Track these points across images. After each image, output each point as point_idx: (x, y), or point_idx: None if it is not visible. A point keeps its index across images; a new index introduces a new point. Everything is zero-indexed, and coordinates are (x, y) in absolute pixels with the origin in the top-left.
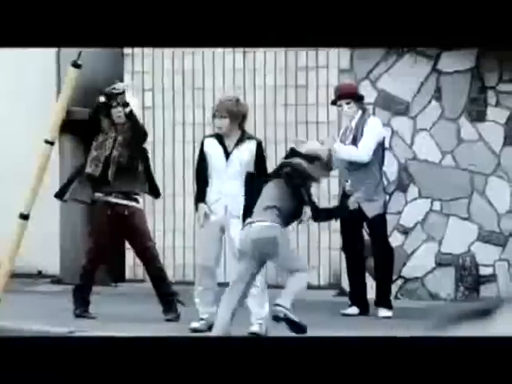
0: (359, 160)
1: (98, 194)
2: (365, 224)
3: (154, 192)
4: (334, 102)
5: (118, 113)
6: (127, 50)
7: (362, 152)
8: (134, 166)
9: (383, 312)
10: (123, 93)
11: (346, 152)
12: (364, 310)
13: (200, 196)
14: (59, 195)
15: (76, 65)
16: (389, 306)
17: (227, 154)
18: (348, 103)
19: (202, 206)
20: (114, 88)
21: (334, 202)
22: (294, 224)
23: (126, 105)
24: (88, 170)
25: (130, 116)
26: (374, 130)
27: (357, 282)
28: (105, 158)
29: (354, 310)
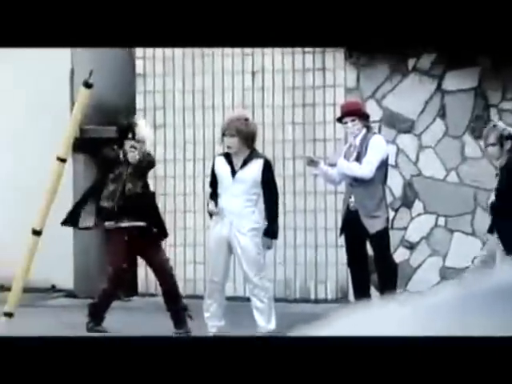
0: (362, 176)
1: (111, 222)
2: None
3: (161, 229)
4: (339, 120)
5: (131, 148)
6: (139, 70)
7: (365, 169)
8: (144, 194)
9: None
10: (136, 126)
11: (349, 168)
12: None
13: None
14: (71, 222)
15: (87, 84)
16: None
17: (234, 173)
18: (353, 120)
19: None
20: (129, 121)
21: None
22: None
23: (140, 141)
24: (105, 203)
25: (147, 156)
26: (378, 147)
27: (362, 296)
28: (120, 192)
29: None
